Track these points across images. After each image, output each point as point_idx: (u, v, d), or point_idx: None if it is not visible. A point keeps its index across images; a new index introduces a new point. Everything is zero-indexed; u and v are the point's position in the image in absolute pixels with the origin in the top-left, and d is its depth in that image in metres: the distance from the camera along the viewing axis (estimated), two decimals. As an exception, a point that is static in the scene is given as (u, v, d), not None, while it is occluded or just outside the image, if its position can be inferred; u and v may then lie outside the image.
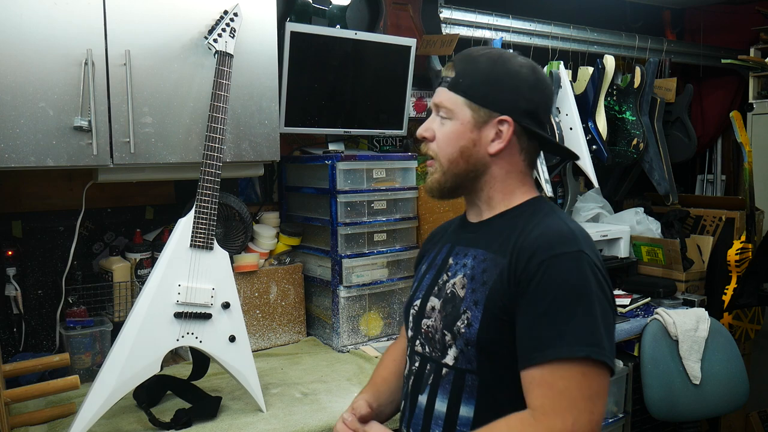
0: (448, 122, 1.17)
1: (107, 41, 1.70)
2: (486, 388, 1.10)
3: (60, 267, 2.00)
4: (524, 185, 1.21)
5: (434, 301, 1.19)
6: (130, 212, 2.16)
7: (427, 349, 1.19)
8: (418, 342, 1.22)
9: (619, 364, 2.50)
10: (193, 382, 1.77)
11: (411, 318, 1.25)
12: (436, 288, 1.21)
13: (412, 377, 1.21)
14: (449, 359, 1.14)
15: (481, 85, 1.16)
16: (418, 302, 1.24)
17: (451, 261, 1.22)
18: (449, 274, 1.19)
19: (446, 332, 1.14)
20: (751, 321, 2.99)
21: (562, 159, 2.90)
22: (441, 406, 1.14)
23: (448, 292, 1.17)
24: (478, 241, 1.19)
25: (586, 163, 2.83)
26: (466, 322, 1.10)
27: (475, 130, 1.16)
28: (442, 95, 1.18)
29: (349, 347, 2.20)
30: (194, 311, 1.62)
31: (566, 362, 0.99)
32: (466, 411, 1.11)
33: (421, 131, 1.20)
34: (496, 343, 1.08)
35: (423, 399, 1.17)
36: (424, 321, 1.20)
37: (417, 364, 1.21)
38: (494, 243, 1.15)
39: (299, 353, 2.17)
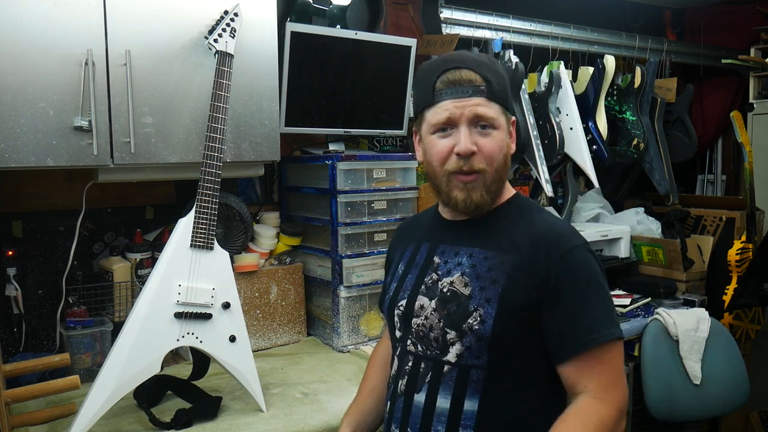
0: (493, 132, 1.15)
1: (107, 41, 1.70)
2: (492, 381, 1.13)
3: (60, 267, 2.00)
4: (507, 182, 1.25)
5: (423, 300, 1.20)
6: (131, 212, 2.16)
7: (420, 348, 1.19)
8: (409, 341, 1.22)
9: (620, 364, 2.50)
10: (194, 382, 1.78)
11: (397, 318, 1.25)
12: (423, 287, 1.21)
13: (405, 377, 1.21)
14: (451, 356, 1.15)
15: (507, 90, 1.18)
16: (403, 302, 1.24)
17: (437, 260, 1.22)
18: (439, 273, 1.20)
19: (448, 330, 1.15)
20: (751, 321, 2.99)
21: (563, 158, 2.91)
22: (444, 402, 1.14)
23: (446, 291, 1.17)
24: (469, 239, 1.20)
25: (586, 163, 2.83)
26: (478, 319, 1.12)
27: (508, 135, 1.19)
28: (482, 106, 1.13)
29: (350, 347, 2.20)
30: (194, 311, 1.62)
31: (609, 343, 1.10)
32: (470, 405, 1.13)
33: (470, 147, 1.12)
34: (508, 337, 1.12)
35: (421, 398, 1.17)
36: (414, 320, 1.20)
37: (410, 364, 1.21)
38: (491, 241, 1.17)
39: (299, 353, 2.17)
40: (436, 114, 1.15)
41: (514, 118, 1.22)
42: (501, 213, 1.21)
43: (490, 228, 1.19)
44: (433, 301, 1.18)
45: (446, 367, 1.15)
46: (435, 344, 1.17)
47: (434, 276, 1.21)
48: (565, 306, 1.11)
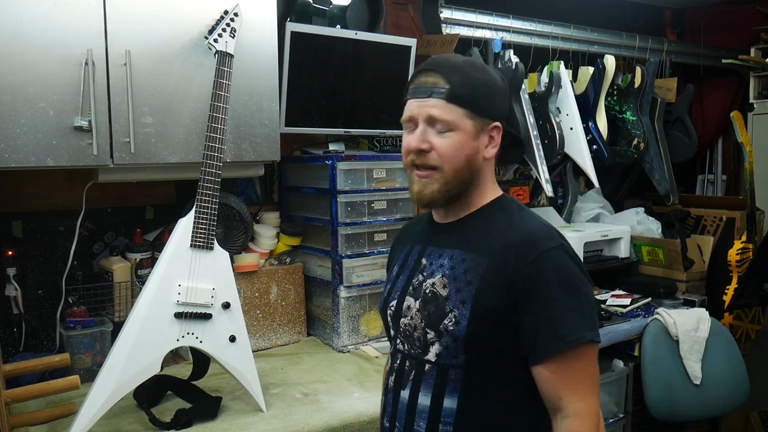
0: (450, 134, 1.17)
1: (107, 41, 1.70)
2: (470, 380, 1.16)
3: (60, 267, 2.00)
4: (494, 184, 1.27)
5: (410, 301, 1.24)
6: (131, 212, 2.16)
7: (406, 347, 1.24)
8: (398, 340, 1.26)
9: (620, 364, 2.50)
10: (194, 382, 1.78)
11: (389, 318, 1.30)
12: (411, 288, 1.25)
13: (394, 374, 1.26)
14: (431, 356, 1.18)
15: (479, 96, 1.19)
16: (394, 302, 1.28)
17: (424, 262, 1.26)
18: (424, 274, 1.24)
19: (428, 330, 1.18)
20: (751, 321, 2.99)
21: (562, 158, 2.91)
22: (424, 400, 1.19)
23: (428, 292, 1.21)
24: (451, 241, 1.23)
25: (586, 163, 2.83)
26: (453, 320, 1.15)
27: (476, 139, 1.19)
28: (438, 108, 1.16)
29: (350, 347, 2.20)
30: (194, 311, 1.62)
31: (582, 346, 1.11)
32: (449, 403, 1.16)
33: (419, 144, 1.17)
34: (483, 338, 1.15)
35: (405, 394, 1.21)
36: (402, 320, 1.25)
37: (398, 362, 1.26)
38: (471, 243, 1.20)
39: (299, 353, 2.17)
40: (404, 112, 1.22)
41: (496, 123, 1.21)
42: (483, 214, 1.23)
43: (472, 230, 1.22)
44: (418, 302, 1.22)
45: (427, 366, 1.19)
46: (418, 343, 1.20)
47: (420, 277, 1.25)
48: (539, 308, 1.12)
